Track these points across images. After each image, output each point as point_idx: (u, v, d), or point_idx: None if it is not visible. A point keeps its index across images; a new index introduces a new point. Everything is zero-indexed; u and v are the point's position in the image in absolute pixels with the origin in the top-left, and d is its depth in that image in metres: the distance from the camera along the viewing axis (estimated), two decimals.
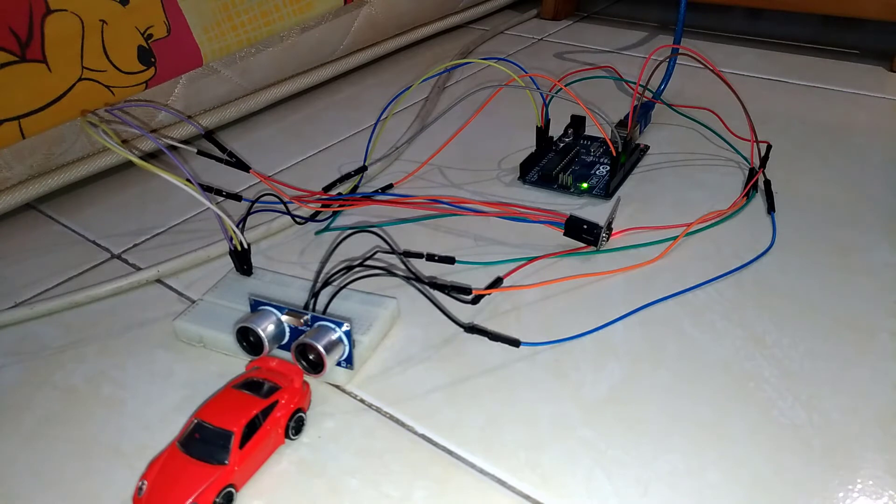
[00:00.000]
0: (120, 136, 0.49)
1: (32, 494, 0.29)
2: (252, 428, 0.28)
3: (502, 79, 0.63)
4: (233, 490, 0.27)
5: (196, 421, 0.28)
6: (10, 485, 0.29)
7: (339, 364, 0.32)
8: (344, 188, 0.47)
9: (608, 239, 0.41)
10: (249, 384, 0.30)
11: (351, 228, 0.43)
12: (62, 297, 0.39)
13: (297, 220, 0.43)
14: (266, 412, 0.29)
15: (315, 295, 0.33)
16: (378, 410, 0.32)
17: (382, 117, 0.49)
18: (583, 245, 0.41)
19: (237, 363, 0.34)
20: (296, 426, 0.30)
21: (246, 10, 0.52)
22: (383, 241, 0.41)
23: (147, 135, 0.38)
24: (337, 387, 0.33)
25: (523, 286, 0.38)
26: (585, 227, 0.40)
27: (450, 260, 0.37)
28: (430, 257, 0.37)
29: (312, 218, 0.44)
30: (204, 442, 0.27)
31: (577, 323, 0.35)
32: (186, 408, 0.32)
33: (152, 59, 0.48)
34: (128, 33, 0.46)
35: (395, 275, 0.34)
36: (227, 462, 0.27)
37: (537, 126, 0.49)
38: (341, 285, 0.33)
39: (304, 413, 0.31)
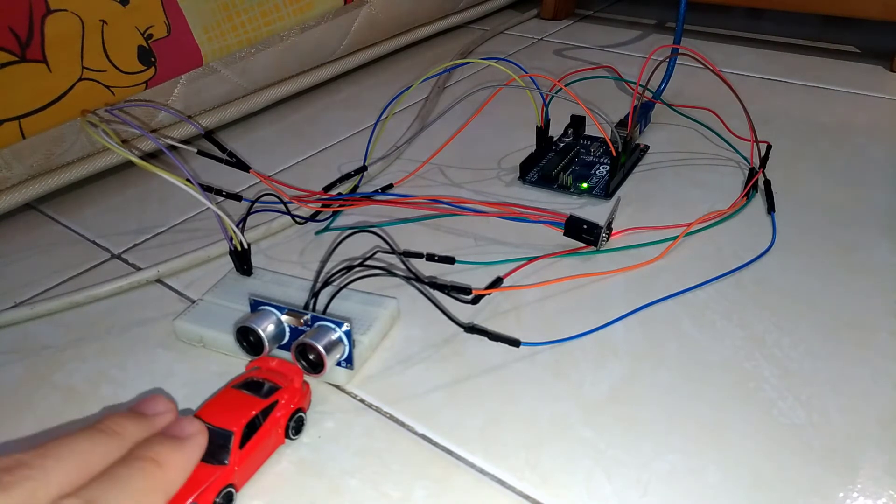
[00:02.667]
0: (120, 136, 0.49)
1: None
2: (252, 428, 0.28)
3: (502, 79, 0.63)
4: (233, 490, 0.27)
5: None
6: None
7: (339, 364, 0.32)
8: (344, 188, 0.47)
9: (608, 239, 0.41)
10: (249, 384, 0.30)
11: (351, 228, 0.43)
12: (62, 297, 0.39)
13: (297, 220, 0.43)
14: (266, 412, 0.29)
15: (315, 295, 0.33)
16: (378, 410, 0.32)
17: (382, 117, 0.49)
18: (583, 245, 0.41)
19: (237, 363, 0.34)
20: (296, 426, 0.30)
21: (246, 10, 0.52)
22: (383, 241, 0.41)
23: (147, 135, 0.38)
24: (337, 387, 0.33)
25: (523, 286, 0.38)
26: (585, 227, 0.40)
27: (450, 260, 0.37)
28: (430, 257, 0.37)
29: (312, 218, 0.44)
30: None
31: (577, 323, 0.35)
32: (186, 408, 0.32)
33: (152, 59, 0.48)
34: (128, 33, 0.46)
35: (395, 275, 0.34)
36: (226, 462, 0.27)
37: (537, 126, 0.49)
38: (341, 285, 0.33)
39: (304, 413, 0.31)
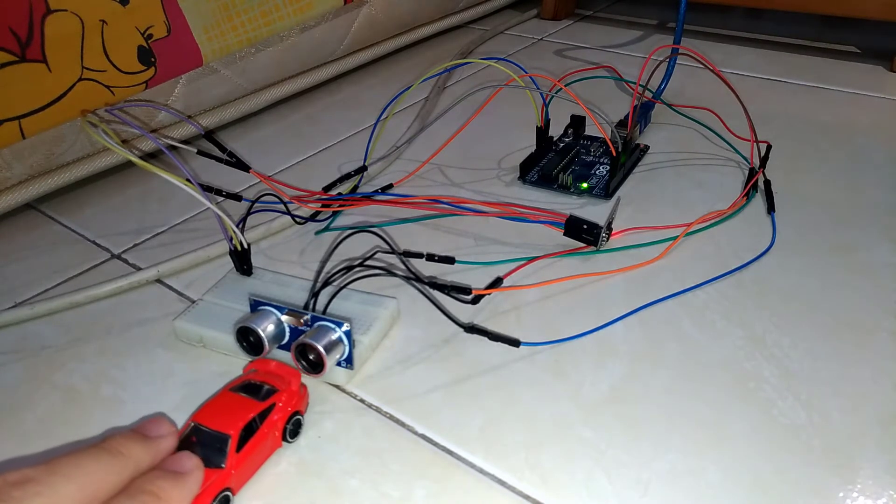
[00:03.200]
0: (120, 136, 0.49)
1: None
2: (249, 431, 0.28)
3: (502, 79, 0.63)
4: (229, 494, 0.27)
5: (193, 424, 0.28)
6: None
7: (339, 364, 0.32)
8: (344, 188, 0.47)
9: (608, 239, 0.41)
10: (246, 387, 0.30)
11: (351, 228, 0.43)
12: (62, 297, 0.39)
13: (297, 220, 0.43)
14: (263, 415, 0.28)
15: (315, 295, 0.33)
16: (378, 410, 0.32)
17: (382, 117, 0.49)
18: (583, 245, 0.41)
19: (237, 363, 0.34)
20: (293, 429, 0.30)
21: (246, 10, 0.52)
22: (383, 241, 0.41)
23: (147, 135, 0.38)
24: (337, 387, 0.33)
25: (523, 286, 0.38)
26: (585, 227, 0.40)
27: (450, 260, 0.37)
28: (430, 257, 0.37)
29: (312, 218, 0.44)
30: (200, 445, 0.27)
31: (577, 323, 0.35)
32: (186, 408, 0.32)
33: (152, 59, 0.48)
34: (128, 33, 0.46)
35: (395, 275, 0.34)
36: (223, 466, 0.27)
37: (537, 126, 0.49)
38: (341, 285, 0.33)
39: (302, 416, 0.31)
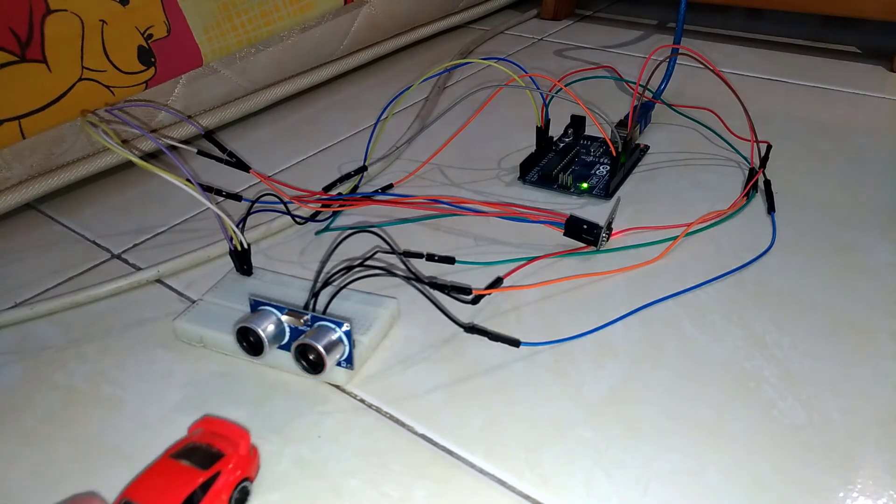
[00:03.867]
0: (120, 136, 0.49)
1: (32, 494, 0.29)
2: None
3: (502, 79, 0.63)
4: None
5: (124, 501, 0.25)
6: (10, 485, 0.29)
7: (339, 364, 0.32)
8: (344, 188, 0.47)
9: (608, 239, 0.41)
10: (189, 452, 0.27)
11: (351, 228, 0.43)
12: (62, 297, 0.39)
13: (297, 220, 0.43)
14: (206, 486, 0.25)
15: (315, 295, 0.33)
16: (378, 410, 0.32)
17: (382, 117, 0.49)
18: (583, 245, 0.41)
19: (237, 363, 0.34)
20: (240, 497, 0.27)
21: (246, 10, 0.52)
22: (383, 241, 0.41)
23: (147, 135, 0.38)
24: (337, 387, 0.33)
25: (523, 286, 0.38)
26: (585, 227, 0.40)
27: (450, 260, 0.37)
28: (430, 257, 0.37)
29: (312, 218, 0.44)
30: None
31: (577, 323, 0.35)
32: (186, 408, 0.32)
33: (152, 59, 0.48)
34: (128, 33, 0.46)
35: (395, 275, 0.34)
36: None
37: (537, 126, 0.49)
38: (341, 285, 0.33)
39: (251, 482, 0.28)
